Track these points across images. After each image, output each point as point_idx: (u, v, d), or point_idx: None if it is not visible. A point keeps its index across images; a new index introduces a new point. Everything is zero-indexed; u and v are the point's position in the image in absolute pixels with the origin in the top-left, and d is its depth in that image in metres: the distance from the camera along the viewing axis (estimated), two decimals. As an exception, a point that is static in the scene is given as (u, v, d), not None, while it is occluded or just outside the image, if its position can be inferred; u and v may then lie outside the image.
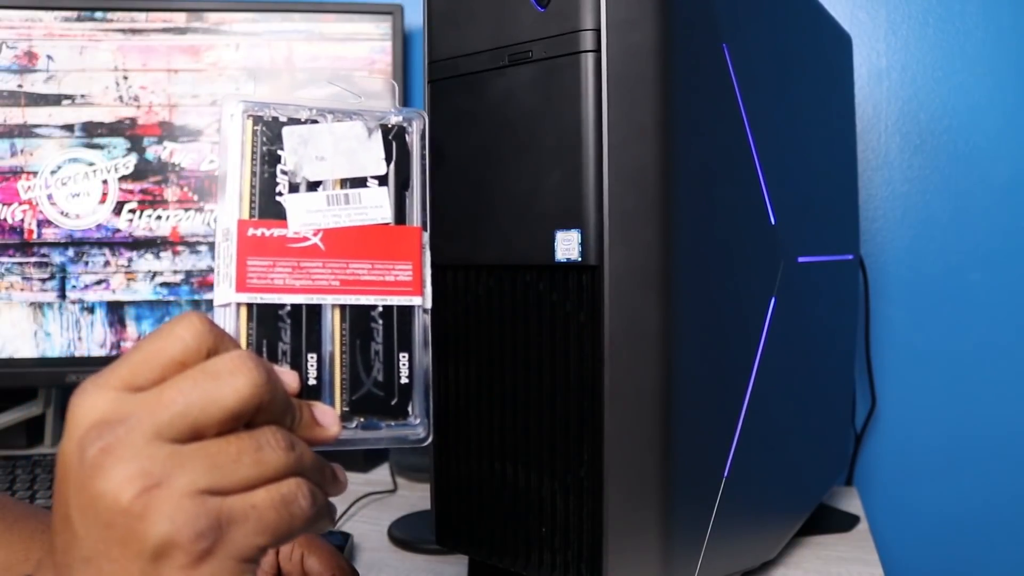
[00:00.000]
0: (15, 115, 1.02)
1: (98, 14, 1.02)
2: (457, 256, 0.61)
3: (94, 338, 1.03)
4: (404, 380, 0.45)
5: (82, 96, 1.03)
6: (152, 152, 1.03)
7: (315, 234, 0.44)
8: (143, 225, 1.03)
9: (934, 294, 1.00)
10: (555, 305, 0.55)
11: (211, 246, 1.03)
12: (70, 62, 1.02)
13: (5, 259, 1.02)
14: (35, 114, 1.02)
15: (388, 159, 0.45)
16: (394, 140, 0.46)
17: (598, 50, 0.53)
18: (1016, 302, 0.98)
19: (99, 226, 1.03)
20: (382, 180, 0.45)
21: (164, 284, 1.04)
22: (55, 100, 1.03)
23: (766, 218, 0.65)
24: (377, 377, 0.44)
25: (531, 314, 0.57)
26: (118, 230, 1.03)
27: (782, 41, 0.69)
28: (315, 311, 0.43)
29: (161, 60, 1.03)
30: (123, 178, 1.03)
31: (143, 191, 1.03)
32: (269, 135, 0.45)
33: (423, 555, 0.75)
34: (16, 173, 1.02)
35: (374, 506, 0.89)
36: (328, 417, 0.40)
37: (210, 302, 1.01)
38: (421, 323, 0.45)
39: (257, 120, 0.45)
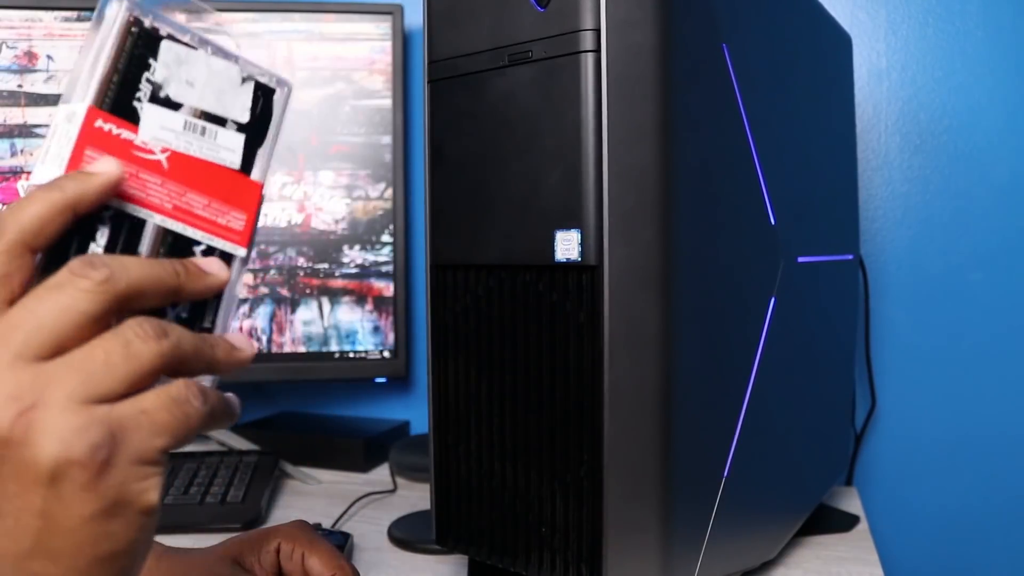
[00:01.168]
0: (15, 115, 1.02)
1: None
2: (457, 256, 0.61)
3: (94, 338, 1.03)
4: (207, 324, 0.43)
5: (82, 96, 1.03)
6: (152, 152, 1.03)
7: (162, 151, 0.43)
8: (143, 225, 1.03)
9: (934, 294, 1.00)
10: (555, 305, 0.55)
11: (211, 246, 1.03)
12: (70, 62, 1.02)
13: (5, 259, 1.02)
14: (35, 114, 1.02)
15: (252, 111, 0.45)
16: (261, 97, 0.45)
17: (598, 50, 0.53)
18: (1016, 302, 0.98)
19: (99, 226, 1.03)
20: (240, 127, 0.45)
21: (164, 284, 1.03)
22: (55, 100, 1.02)
23: (766, 218, 0.65)
24: (181, 314, 0.42)
25: (531, 314, 0.57)
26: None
27: (782, 41, 0.69)
28: (138, 226, 0.41)
29: (161, 60, 1.03)
30: (123, 178, 1.03)
31: (143, 191, 1.03)
32: (145, 41, 0.43)
33: (423, 555, 0.75)
34: (16, 173, 1.02)
35: (374, 506, 0.89)
36: (214, 264, 0.40)
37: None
38: (238, 275, 0.44)
39: (137, 23, 0.43)
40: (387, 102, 1.05)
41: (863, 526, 0.83)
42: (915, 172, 1.01)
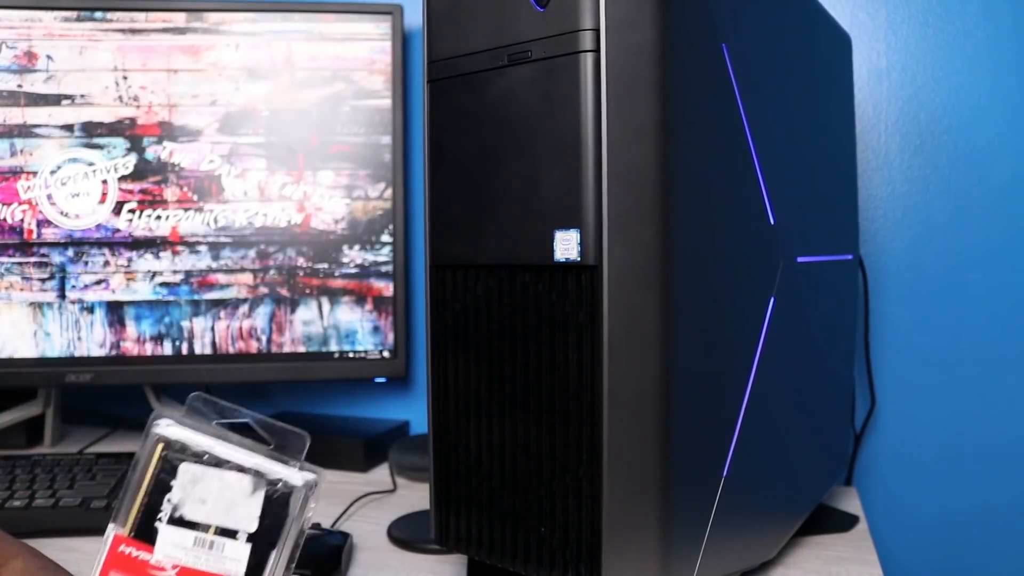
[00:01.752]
0: (15, 115, 1.02)
1: (98, 14, 1.02)
2: (456, 256, 0.61)
3: (94, 338, 1.03)
4: None
5: (82, 96, 1.03)
6: (152, 152, 1.04)
7: (173, 567, 0.47)
8: (143, 225, 1.03)
9: (934, 294, 1.00)
10: (554, 305, 0.55)
11: (211, 246, 1.04)
12: (70, 62, 1.02)
13: (5, 259, 1.02)
14: (35, 114, 1.02)
15: (263, 517, 0.48)
16: (276, 500, 0.49)
17: (597, 50, 0.53)
18: (1016, 302, 0.98)
19: (99, 226, 1.03)
20: (249, 536, 0.48)
21: (164, 284, 1.04)
22: (55, 100, 1.03)
23: (766, 218, 0.65)
24: None
25: (530, 314, 0.57)
26: (118, 230, 1.03)
27: (782, 41, 0.69)
28: None
29: (161, 60, 1.03)
30: (123, 178, 1.03)
31: (143, 191, 1.04)
32: (170, 465, 0.48)
33: (423, 555, 0.75)
34: (16, 173, 1.02)
35: (374, 506, 0.89)
36: None
37: (210, 302, 1.01)
38: None
39: (167, 446, 0.48)
40: (387, 102, 1.05)
41: (862, 526, 0.83)
42: (915, 172, 1.01)
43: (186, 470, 0.48)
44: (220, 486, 0.48)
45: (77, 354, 1.03)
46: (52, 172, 1.03)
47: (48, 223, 1.03)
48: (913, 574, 1.01)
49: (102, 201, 1.03)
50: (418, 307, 1.14)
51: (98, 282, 1.03)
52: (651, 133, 0.53)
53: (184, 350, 1.03)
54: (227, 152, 1.04)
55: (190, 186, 1.04)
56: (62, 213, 1.03)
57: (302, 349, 1.05)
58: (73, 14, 1.02)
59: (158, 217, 1.04)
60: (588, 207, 0.53)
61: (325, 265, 1.05)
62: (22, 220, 1.03)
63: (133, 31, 1.03)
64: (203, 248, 1.04)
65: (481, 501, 0.60)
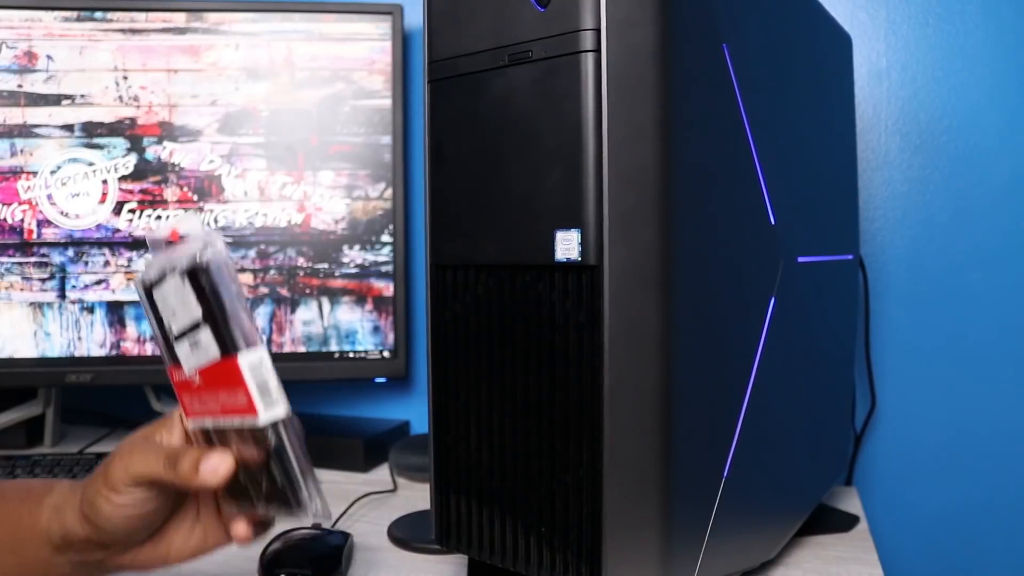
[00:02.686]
0: (15, 115, 1.02)
1: (98, 14, 1.02)
2: (457, 256, 0.61)
3: (94, 338, 1.03)
4: (279, 484, 0.54)
5: (82, 96, 1.03)
6: (152, 152, 1.04)
7: (198, 374, 0.53)
8: (143, 225, 1.03)
9: (934, 294, 1.00)
10: (555, 305, 0.55)
11: (211, 246, 1.03)
12: (70, 62, 1.02)
13: (5, 259, 1.02)
14: (35, 114, 1.02)
15: (200, 300, 0.51)
16: (200, 280, 0.51)
17: (598, 50, 0.53)
18: (1016, 302, 0.98)
19: (99, 226, 1.03)
20: (204, 319, 0.52)
21: (164, 284, 1.04)
22: (55, 100, 1.03)
23: (766, 218, 0.65)
24: (266, 487, 0.54)
25: (531, 314, 0.57)
26: (118, 230, 1.03)
27: (782, 41, 0.69)
28: (223, 432, 0.54)
29: (161, 60, 1.03)
30: (123, 178, 1.03)
31: (143, 191, 1.04)
32: (150, 300, 0.54)
33: (423, 555, 0.75)
34: (16, 173, 1.02)
35: (374, 506, 0.89)
36: (209, 463, 0.52)
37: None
38: (276, 436, 0.53)
39: (144, 287, 0.54)
40: (387, 102, 1.05)
41: (863, 526, 0.83)
42: (915, 172, 1.01)
43: (159, 295, 0.53)
44: (171, 293, 0.53)
45: (77, 354, 1.03)
46: (52, 172, 1.03)
47: (48, 223, 1.03)
48: (913, 574, 1.01)
49: (102, 201, 1.03)
50: (418, 307, 1.14)
51: (98, 282, 1.03)
52: (651, 133, 0.53)
53: (184, 350, 1.03)
54: (227, 152, 1.04)
55: (190, 186, 1.04)
56: (62, 213, 1.03)
57: (302, 349, 1.05)
58: (73, 14, 1.02)
59: (158, 217, 1.04)
60: (588, 207, 0.53)
61: (325, 265, 1.05)
62: (22, 220, 1.03)
63: (133, 31, 1.03)
64: (203, 248, 1.04)
65: (481, 501, 0.60)
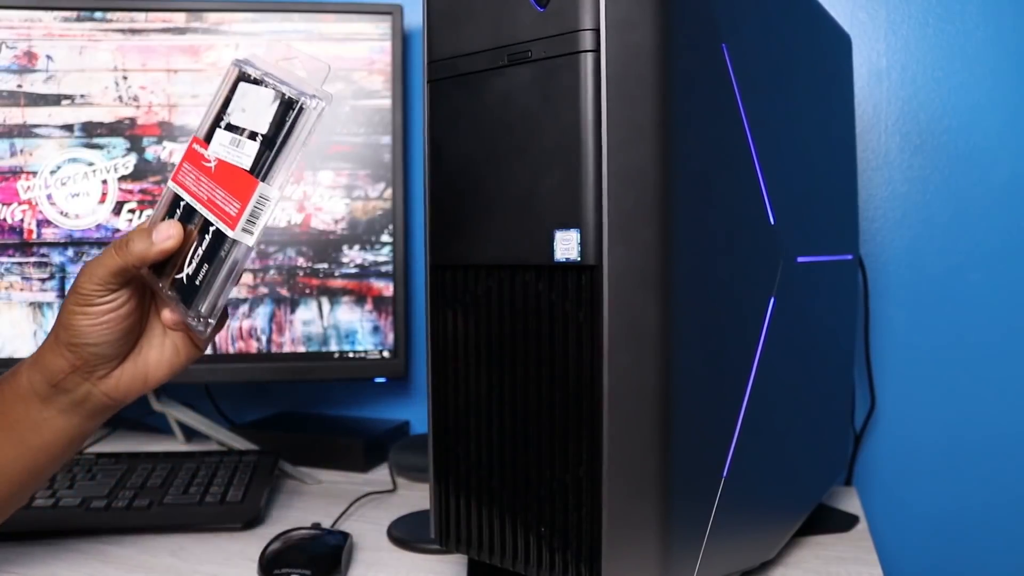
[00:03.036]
0: (15, 115, 1.02)
1: (98, 14, 1.02)
2: (456, 256, 0.61)
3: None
4: (198, 282, 0.59)
5: (82, 96, 1.03)
6: (152, 152, 1.04)
7: (215, 159, 0.60)
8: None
9: (934, 294, 1.00)
10: (554, 305, 0.55)
11: (211, 246, 1.04)
12: (70, 62, 1.02)
13: (5, 259, 1.02)
14: (35, 114, 1.02)
15: (274, 125, 0.58)
16: (288, 113, 0.58)
17: (597, 50, 0.53)
18: (1016, 302, 0.98)
19: (99, 226, 1.03)
20: (262, 137, 0.58)
21: (164, 284, 1.04)
22: (55, 100, 1.03)
23: (766, 218, 0.65)
24: (188, 272, 0.60)
25: (530, 314, 0.57)
26: (118, 230, 1.03)
27: (782, 41, 0.69)
28: (190, 208, 0.61)
29: (161, 60, 1.03)
30: (123, 178, 1.03)
31: (143, 191, 1.04)
32: (235, 86, 0.61)
33: (423, 555, 0.76)
34: (16, 173, 1.02)
35: (374, 506, 0.89)
36: (162, 231, 0.59)
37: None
38: (229, 251, 0.59)
39: (239, 74, 0.61)
40: (387, 102, 1.05)
41: (862, 526, 0.83)
42: (915, 172, 1.01)
43: (241, 88, 0.60)
44: (256, 98, 0.59)
45: (77, 354, 1.03)
46: (52, 172, 1.03)
47: (48, 223, 1.03)
48: (913, 574, 1.01)
49: (102, 201, 1.03)
50: (418, 307, 1.14)
51: (98, 282, 1.03)
52: (651, 133, 0.53)
53: (184, 350, 1.03)
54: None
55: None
56: (62, 213, 1.03)
57: (302, 349, 1.05)
58: (73, 14, 1.02)
59: (158, 217, 1.03)
60: (588, 207, 0.53)
61: (325, 265, 1.05)
62: (22, 220, 1.03)
63: (133, 31, 1.03)
64: (203, 248, 1.04)
65: (481, 501, 0.60)
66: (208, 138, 0.60)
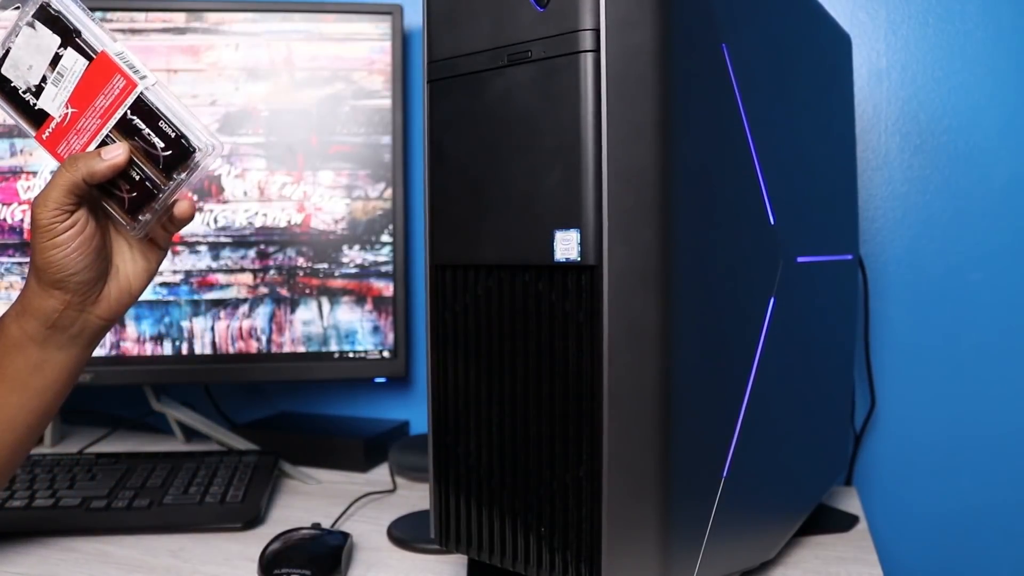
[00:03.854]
0: (15, 115, 1.02)
1: (98, 14, 1.02)
2: (456, 256, 0.61)
3: (94, 338, 1.03)
4: (173, 134, 0.62)
5: (82, 96, 1.03)
6: (152, 152, 1.03)
7: (65, 108, 0.62)
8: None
9: (934, 294, 1.00)
10: (554, 305, 0.55)
11: (211, 246, 1.04)
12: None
13: (5, 259, 1.02)
14: (35, 114, 1.02)
15: (55, 28, 0.61)
16: (48, 12, 0.61)
17: (597, 50, 0.53)
18: (1016, 302, 0.98)
19: (99, 226, 1.03)
20: (63, 44, 0.61)
21: (163, 284, 1.04)
22: (55, 100, 1.02)
23: (765, 218, 0.65)
24: (160, 144, 0.62)
25: (530, 314, 0.57)
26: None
27: (782, 41, 0.69)
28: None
29: (161, 60, 1.03)
30: (123, 178, 1.03)
31: (143, 191, 1.03)
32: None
33: (423, 555, 0.76)
34: (16, 173, 1.02)
35: (374, 506, 0.89)
36: (109, 152, 0.62)
37: (209, 302, 1.01)
38: (155, 95, 0.62)
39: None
40: (387, 102, 1.05)
41: (862, 526, 0.83)
42: (915, 172, 1.01)
43: (7, 70, 0.62)
44: (23, 49, 0.62)
45: (77, 354, 1.03)
46: (52, 172, 1.03)
47: (48, 223, 1.03)
48: (913, 574, 1.01)
49: (102, 201, 1.03)
50: (418, 307, 1.14)
51: (98, 282, 1.03)
52: (651, 133, 0.53)
53: (184, 350, 1.03)
54: (227, 152, 1.04)
55: (189, 186, 1.04)
56: (62, 213, 1.03)
57: (302, 349, 1.05)
58: (73, 14, 1.02)
59: (158, 217, 1.03)
60: (588, 207, 0.53)
61: (325, 265, 1.05)
62: (22, 220, 1.03)
63: (133, 31, 1.03)
64: (203, 248, 1.04)
65: (481, 501, 0.60)
66: (42, 120, 0.63)
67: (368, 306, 1.06)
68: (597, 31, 0.53)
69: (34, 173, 1.02)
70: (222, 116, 1.04)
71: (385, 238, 1.06)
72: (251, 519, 0.82)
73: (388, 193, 1.06)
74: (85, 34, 0.61)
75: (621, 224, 0.53)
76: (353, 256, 1.05)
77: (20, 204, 1.02)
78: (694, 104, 0.56)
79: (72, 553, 0.76)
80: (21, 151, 1.02)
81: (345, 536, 0.75)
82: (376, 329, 1.06)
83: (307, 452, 1.03)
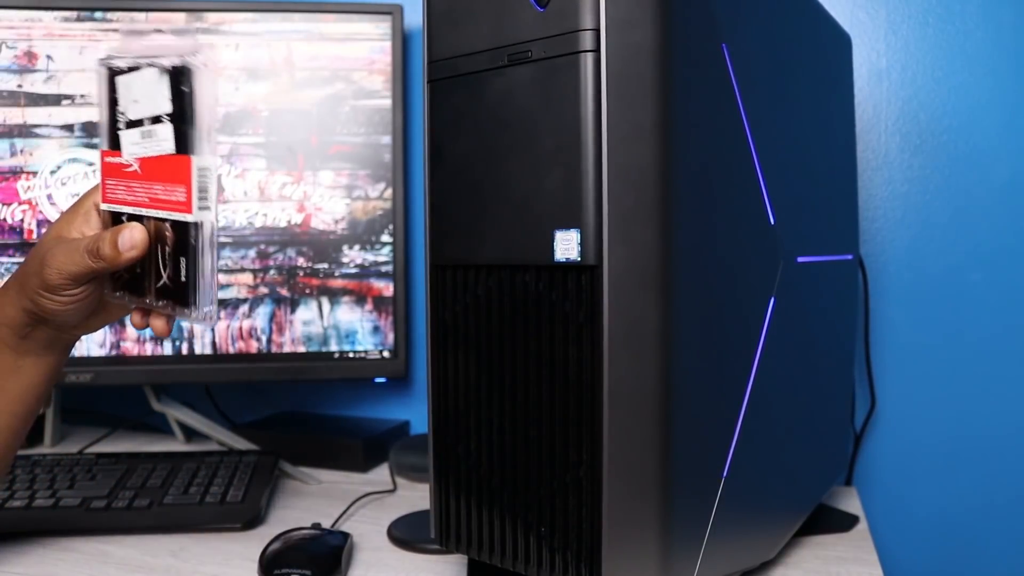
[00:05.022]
0: (15, 115, 1.02)
1: (98, 14, 1.02)
2: (456, 256, 0.61)
3: (93, 338, 1.03)
4: (183, 278, 0.58)
5: (82, 96, 1.03)
6: (152, 152, 1.03)
7: (135, 160, 0.59)
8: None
9: (934, 294, 1.00)
10: (554, 305, 0.55)
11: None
12: (70, 62, 1.02)
13: (5, 259, 1.02)
14: (35, 114, 1.02)
15: (175, 99, 0.56)
16: (182, 81, 0.56)
17: (597, 50, 0.53)
18: (1016, 302, 0.98)
19: (99, 226, 1.03)
20: (170, 116, 0.57)
21: (164, 284, 1.04)
22: (55, 100, 1.03)
23: (765, 218, 0.65)
24: (167, 276, 0.59)
25: (530, 314, 0.57)
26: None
27: (782, 41, 0.69)
28: (138, 218, 0.60)
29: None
30: (123, 178, 1.03)
31: (143, 191, 1.03)
32: (111, 83, 0.59)
33: (423, 555, 0.76)
34: (16, 173, 1.02)
35: (374, 506, 0.89)
36: (125, 237, 0.59)
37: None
38: (197, 235, 0.58)
39: (109, 71, 0.59)
40: (387, 102, 1.05)
41: (862, 526, 0.83)
42: (915, 172, 1.01)
43: (121, 81, 0.58)
44: (142, 83, 0.57)
45: (77, 354, 1.03)
46: (52, 172, 1.03)
47: (48, 223, 1.03)
48: (913, 574, 1.01)
49: (102, 201, 1.03)
50: (418, 307, 1.14)
51: (98, 282, 1.03)
52: (651, 133, 0.53)
53: (184, 350, 1.03)
54: (227, 152, 1.04)
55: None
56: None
57: (302, 349, 1.05)
58: (73, 14, 1.02)
59: (158, 217, 1.03)
60: (588, 207, 0.53)
61: (325, 265, 1.05)
62: (22, 220, 1.03)
63: (133, 31, 1.03)
64: (203, 248, 1.04)
65: (481, 501, 0.60)
66: (115, 145, 0.59)
67: (368, 306, 1.06)
68: (597, 31, 0.53)
69: (34, 173, 1.02)
70: (222, 116, 1.04)
71: (385, 238, 1.06)
72: (251, 519, 0.82)
73: (388, 193, 1.06)
74: (189, 130, 0.57)
75: (621, 224, 0.53)
76: (353, 256, 1.05)
77: (20, 204, 1.02)
78: (694, 104, 0.56)
79: (72, 553, 0.76)
80: (21, 151, 1.02)
81: (345, 536, 0.75)
82: (376, 329, 1.06)
83: (307, 452, 1.03)
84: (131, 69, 0.58)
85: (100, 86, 0.59)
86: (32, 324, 0.64)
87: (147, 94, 0.57)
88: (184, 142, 0.56)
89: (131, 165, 0.58)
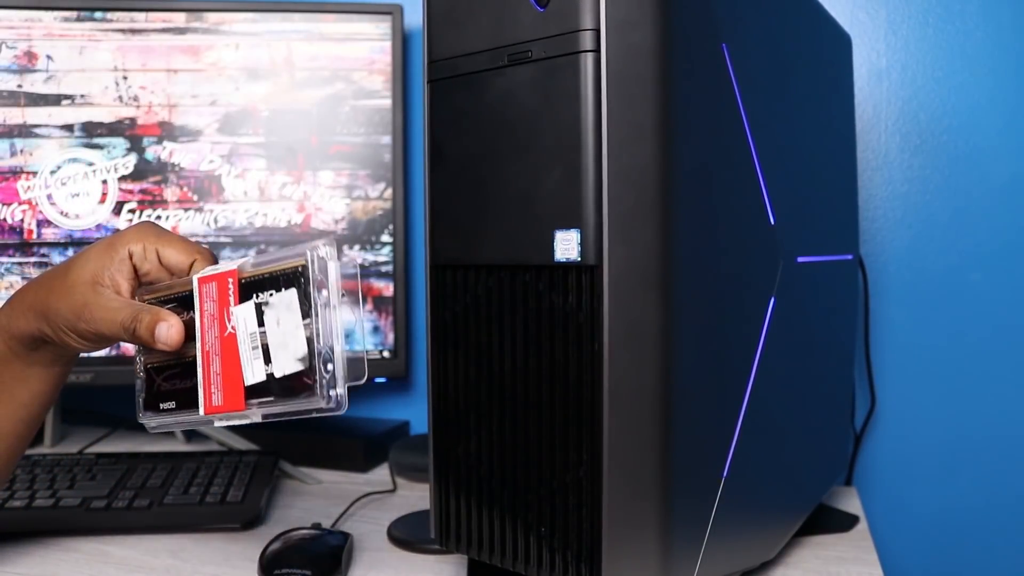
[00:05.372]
0: (15, 115, 1.02)
1: (98, 14, 1.02)
2: (456, 256, 0.61)
3: (94, 338, 1.03)
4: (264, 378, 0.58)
5: (82, 96, 1.03)
6: (152, 152, 1.04)
7: (231, 327, 0.59)
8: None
9: (934, 294, 1.00)
10: (554, 305, 0.55)
11: (211, 246, 1.03)
12: (70, 62, 1.02)
13: (5, 259, 1.02)
14: (35, 114, 1.02)
15: (289, 386, 0.57)
16: (306, 379, 0.56)
17: (597, 50, 0.53)
18: (1016, 302, 0.98)
19: (99, 226, 1.03)
20: (274, 378, 0.57)
21: (164, 284, 1.04)
22: (55, 100, 1.03)
23: (766, 218, 0.65)
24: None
25: (530, 314, 0.57)
26: (118, 230, 1.03)
27: (782, 41, 0.69)
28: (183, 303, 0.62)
29: (161, 60, 1.03)
30: (123, 178, 1.03)
31: (143, 191, 1.04)
32: (299, 278, 0.57)
33: (423, 555, 0.75)
34: (16, 173, 1.02)
35: (374, 506, 0.89)
36: (161, 332, 0.60)
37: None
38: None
39: (305, 267, 0.57)
40: (387, 102, 1.05)
41: (862, 526, 0.83)
42: (915, 172, 1.01)
43: (297, 297, 0.56)
44: (287, 317, 0.56)
45: (77, 354, 1.03)
46: (52, 172, 1.03)
47: (48, 223, 1.03)
48: (913, 574, 1.01)
49: (102, 201, 1.03)
50: (418, 307, 1.14)
51: (98, 282, 1.03)
52: (651, 133, 0.53)
53: (184, 350, 1.03)
54: (227, 152, 1.04)
55: (190, 186, 1.04)
56: (62, 213, 1.03)
57: (302, 349, 1.05)
58: (73, 14, 1.02)
59: (158, 217, 1.04)
60: (588, 207, 0.53)
61: (325, 265, 1.05)
62: (22, 220, 1.03)
63: (133, 31, 1.03)
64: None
65: (481, 501, 0.60)
66: (244, 294, 0.58)
67: (368, 306, 1.06)
68: (597, 31, 0.53)
69: (34, 173, 1.02)
70: (222, 116, 1.04)
71: (385, 238, 1.06)
72: (251, 519, 0.82)
73: (388, 193, 1.06)
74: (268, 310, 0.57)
75: (621, 224, 0.53)
76: (353, 256, 1.05)
77: (20, 204, 1.02)
78: (694, 104, 0.56)
79: (72, 553, 0.76)
80: (21, 151, 1.02)
81: (345, 536, 0.75)
82: (376, 329, 1.06)
83: (307, 452, 1.03)
84: (314, 309, 0.56)
85: (293, 252, 0.57)
86: (44, 342, 0.64)
87: (284, 328, 0.56)
88: (258, 394, 0.57)
89: (228, 326, 0.58)
